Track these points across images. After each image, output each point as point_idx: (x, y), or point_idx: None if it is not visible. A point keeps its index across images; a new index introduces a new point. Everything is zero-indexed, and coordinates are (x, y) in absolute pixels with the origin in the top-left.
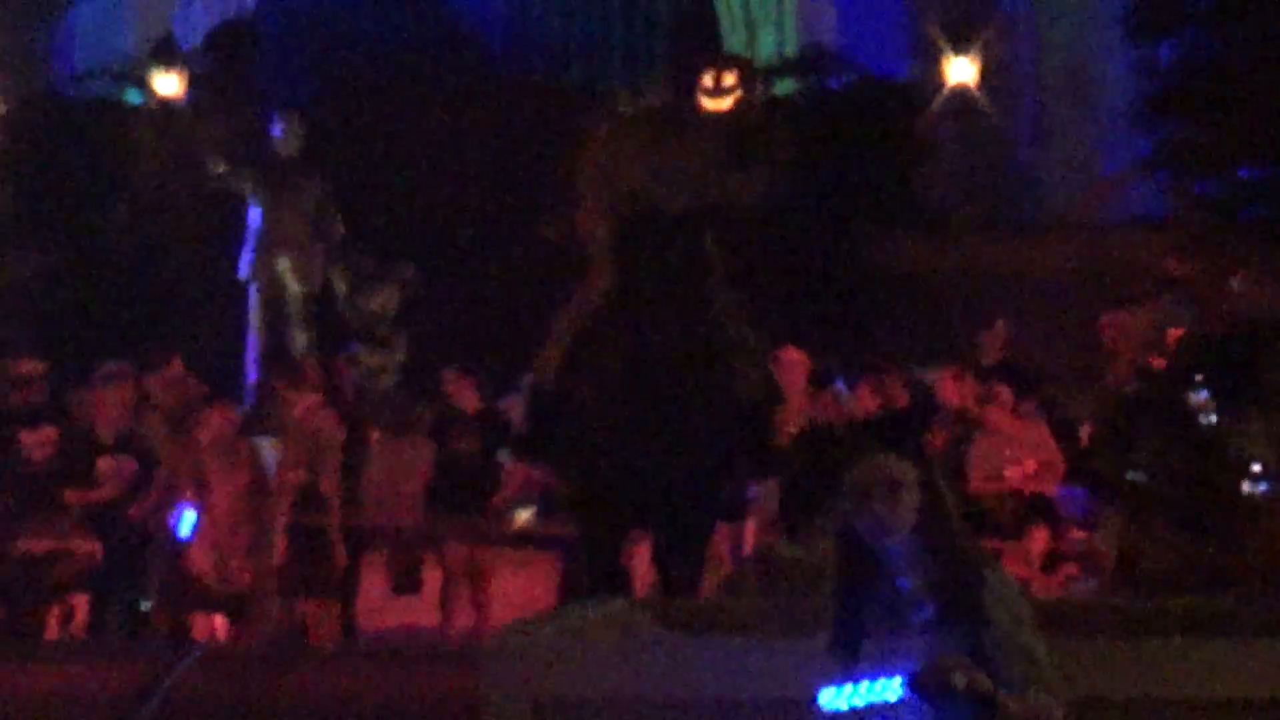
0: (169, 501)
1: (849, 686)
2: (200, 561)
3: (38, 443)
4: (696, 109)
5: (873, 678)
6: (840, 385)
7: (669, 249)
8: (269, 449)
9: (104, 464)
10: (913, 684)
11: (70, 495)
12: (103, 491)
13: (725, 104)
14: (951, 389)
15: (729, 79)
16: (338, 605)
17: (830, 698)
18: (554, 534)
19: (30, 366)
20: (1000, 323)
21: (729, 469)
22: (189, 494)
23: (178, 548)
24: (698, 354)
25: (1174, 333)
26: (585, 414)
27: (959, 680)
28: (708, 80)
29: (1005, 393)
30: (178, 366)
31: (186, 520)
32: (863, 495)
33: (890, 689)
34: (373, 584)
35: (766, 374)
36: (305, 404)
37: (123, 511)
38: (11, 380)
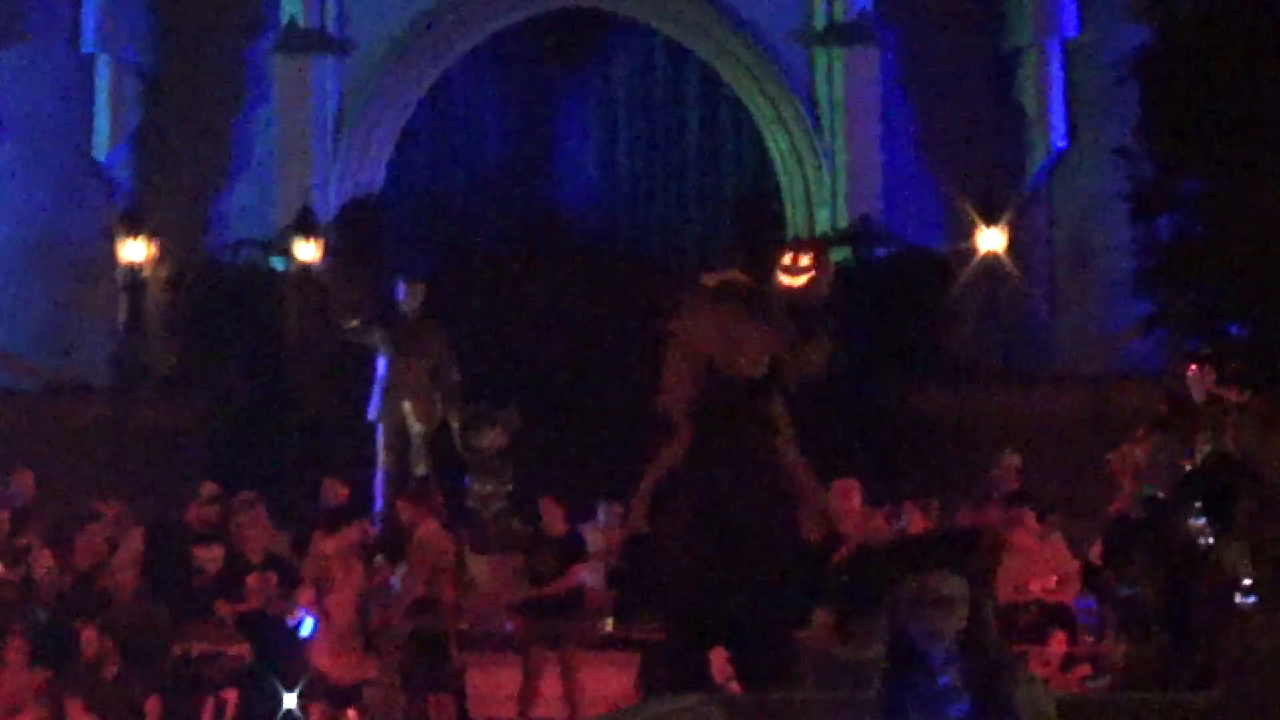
0: (291, 606)
1: None
2: (319, 658)
3: (210, 558)
4: (770, 285)
5: None
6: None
7: (741, 409)
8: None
9: (252, 580)
10: None
11: (222, 607)
12: (250, 603)
13: (800, 281)
14: (977, 514)
15: (805, 260)
16: (452, 698)
17: None
18: (636, 638)
19: (210, 488)
20: (1010, 453)
21: (795, 597)
22: (309, 598)
23: (301, 646)
24: (767, 502)
25: (1169, 466)
26: (669, 553)
27: None
28: (786, 259)
29: (1028, 516)
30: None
31: (306, 622)
32: (918, 607)
33: None
34: (479, 680)
35: (828, 518)
36: (427, 527)
37: (267, 619)
38: (197, 500)
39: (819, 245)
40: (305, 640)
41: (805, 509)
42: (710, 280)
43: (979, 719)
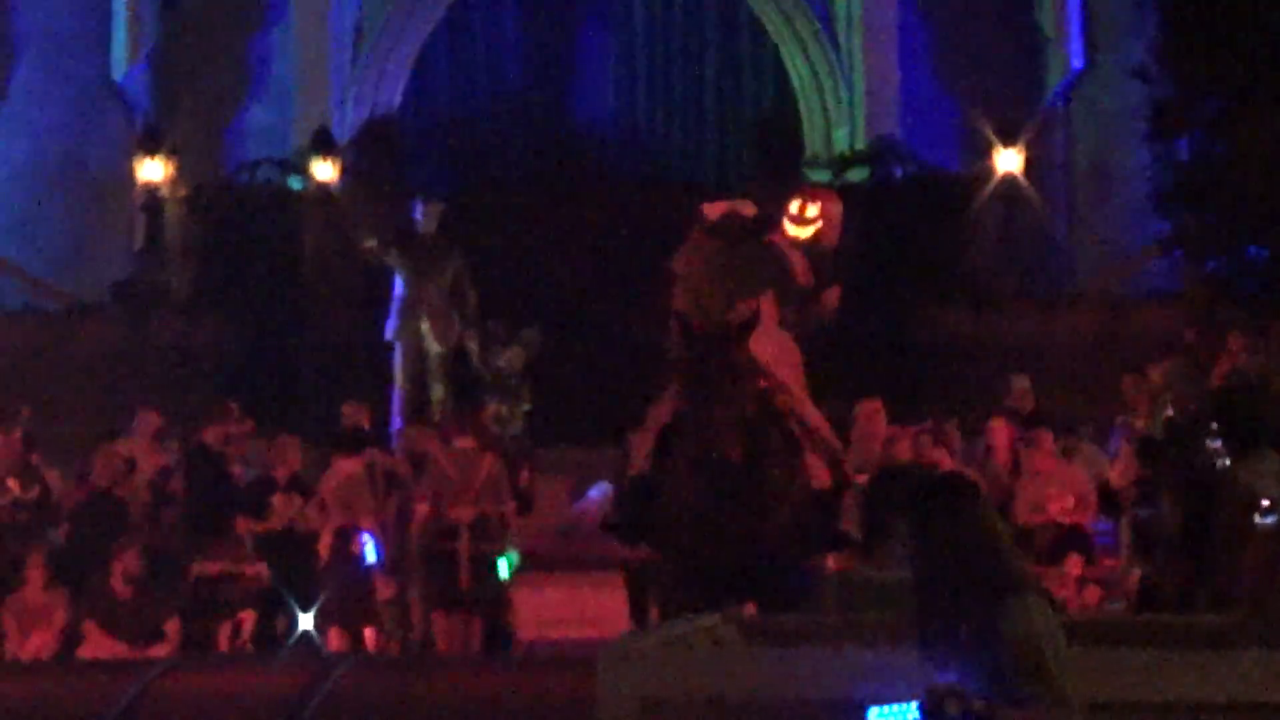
0: (349, 533)
1: (887, 709)
2: (383, 587)
3: (241, 476)
4: (780, 229)
5: (901, 700)
6: None
7: (713, 356)
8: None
9: (277, 500)
10: (921, 709)
11: (242, 525)
12: (271, 523)
13: (806, 233)
14: (1000, 435)
15: (812, 210)
16: (476, 620)
17: (875, 716)
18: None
19: (232, 409)
20: (1018, 376)
21: (805, 548)
22: (365, 523)
23: (363, 572)
24: (764, 451)
25: (1189, 388)
26: (669, 504)
27: (951, 706)
28: (793, 208)
29: (1046, 437)
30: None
31: (370, 547)
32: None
33: (910, 712)
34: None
35: (839, 464)
36: (435, 447)
37: (289, 539)
38: (220, 419)
39: (827, 194)
40: (370, 567)
41: (815, 456)
42: (713, 212)
43: (973, 646)
